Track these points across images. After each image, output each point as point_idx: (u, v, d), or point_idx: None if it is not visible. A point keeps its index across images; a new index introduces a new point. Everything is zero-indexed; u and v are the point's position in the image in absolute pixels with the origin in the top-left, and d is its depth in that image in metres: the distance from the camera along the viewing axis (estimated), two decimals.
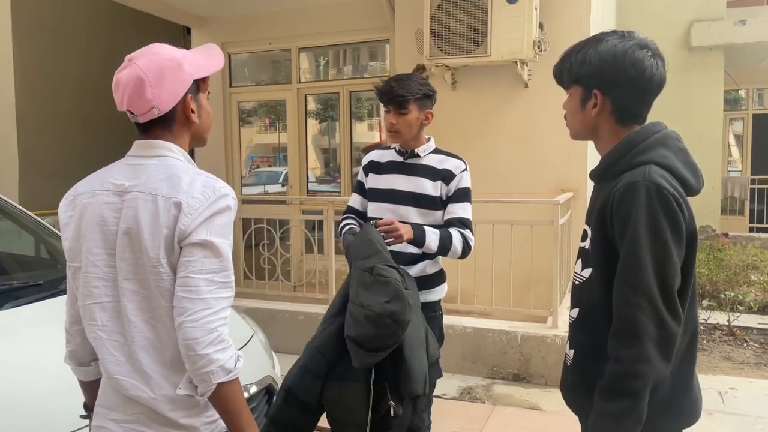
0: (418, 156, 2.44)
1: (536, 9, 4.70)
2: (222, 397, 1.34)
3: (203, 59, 1.50)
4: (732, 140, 11.05)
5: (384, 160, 2.52)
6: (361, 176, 2.61)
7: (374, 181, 2.50)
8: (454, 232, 2.35)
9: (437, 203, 2.40)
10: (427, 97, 2.44)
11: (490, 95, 5.21)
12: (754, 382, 4.15)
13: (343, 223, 2.56)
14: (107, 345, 1.40)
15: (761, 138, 10.50)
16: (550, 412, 3.62)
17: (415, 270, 2.38)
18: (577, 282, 1.51)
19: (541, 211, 4.31)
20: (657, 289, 1.29)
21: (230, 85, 7.17)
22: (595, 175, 1.53)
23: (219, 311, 1.33)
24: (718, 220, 8.38)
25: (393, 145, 2.53)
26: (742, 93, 10.79)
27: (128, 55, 1.41)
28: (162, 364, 1.37)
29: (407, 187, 2.40)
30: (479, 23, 4.76)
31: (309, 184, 7.14)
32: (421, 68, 5.40)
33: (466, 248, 2.37)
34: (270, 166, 7.99)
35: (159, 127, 1.42)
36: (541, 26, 4.82)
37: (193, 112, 1.45)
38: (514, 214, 4.40)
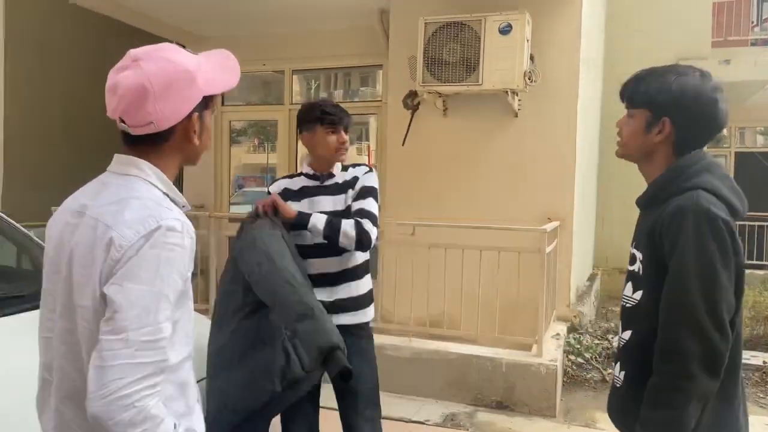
0: (333, 176, 2.51)
1: (527, 41, 4.79)
2: None
3: (217, 72, 1.30)
4: None
5: (297, 186, 2.50)
6: None
7: (296, 207, 2.40)
8: (346, 219, 2.34)
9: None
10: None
11: (480, 123, 5.27)
12: None
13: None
14: (44, 386, 1.27)
15: (744, 175, 10.68)
16: None
17: (342, 292, 2.41)
18: (628, 305, 1.56)
19: (529, 239, 4.34)
20: (703, 308, 1.34)
21: (222, 104, 7.19)
22: (642, 201, 1.59)
23: (140, 380, 1.07)
24: None
25: (301, 171, 2.54)
26: (725, 131, 11.02)
27: (132, 51, 1.21)
28: (86, 422, 1.12)
29: (333, 207, 2.43)
30: (472, 53, 4.84)
31: None
32: (413, 94, 5.47)
33: (362, 235, 2.30)
34: (257, 185, 7.99)
35: (147, 143, 1.23)
36: (532, 58, 4.90)
37: (194, 132, 1.27)
38: (501, 241, 4.42)
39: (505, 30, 4.75)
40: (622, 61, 7.98)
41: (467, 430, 3.75)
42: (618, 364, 1.57)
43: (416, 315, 4.47)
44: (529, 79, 4.80)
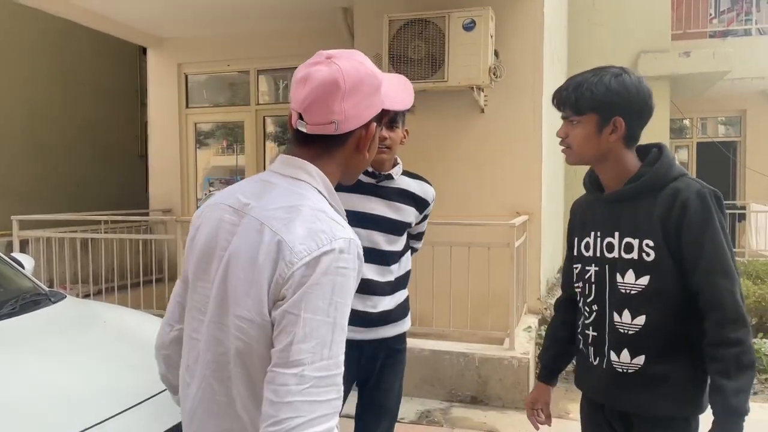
0: (391, 178, 2.25)
1: (492, 37, 4.82)
2: None
3: (396, 90, 1.25)
4: None
5: None
6: None
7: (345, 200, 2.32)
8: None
9: (405, 229, 2.29)
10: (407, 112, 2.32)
11: (447, 120, 5.28)
12: None
13: None
14: (184, 386, 1.19)
15: (705, 165, 10.94)
16: None
17: (393, 301, 2.23)
18: (633, 291, 1.58)
19: (498, 234, 4.37)
20: (737, 278, 1.52)
21: (187, 106, 7.09)
22: (627, 194, 1.62)
23: (315, 420, 0.97)
24: None
25: None
26: (686, 122, 11.27)
27: (324, 52, 1.15)
28: None
29: (382, 212, 2.20)
30: (437, 49, 4.85)
31: None
32: None
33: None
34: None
35: (320, 145, 1.15)
36: (496, 53, 4.93)
37: (367, 143, 1.19)
38: (471, 237, 4.44)
39: (469, 26, 4.77)
40: (585, 56, 8.11)
41: (442, 426, 3.76)
42: (626, 350, 1.59)
43: None
44: (494, 74, 4.83)
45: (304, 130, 1.14)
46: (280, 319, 1.01)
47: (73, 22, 6.06)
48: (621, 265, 1.60)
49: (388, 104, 1.20)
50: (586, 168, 1.78)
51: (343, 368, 1.03)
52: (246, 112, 6.91)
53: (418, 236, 2.48)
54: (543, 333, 4.86)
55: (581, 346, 1.74)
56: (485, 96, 5.12)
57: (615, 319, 1.60)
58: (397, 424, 2.39)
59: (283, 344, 1.00)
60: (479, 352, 4.17)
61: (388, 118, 1.28)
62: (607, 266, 1.63)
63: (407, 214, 2.25)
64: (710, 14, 10.33)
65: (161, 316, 1.43)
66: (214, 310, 1.11)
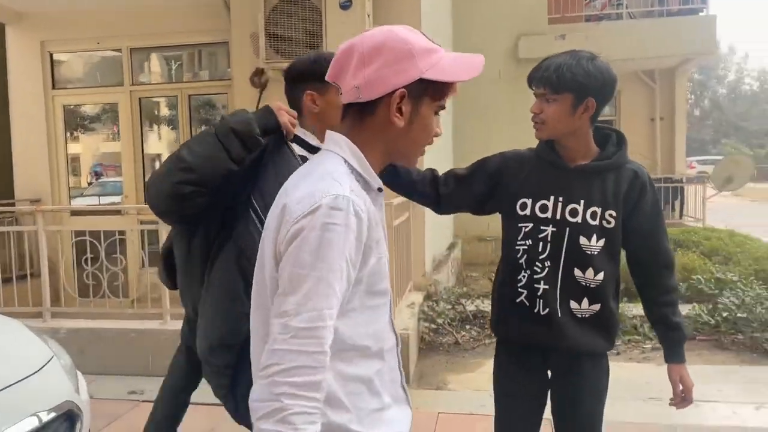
0: None
1: (369, 16, 4.81)
2: None
3: (456, 64, 1.18)
4: None
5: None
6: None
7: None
8: None
9: None
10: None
11: None
12: None
13: None
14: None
15: None
16: None
17: None
18: (595, 252, 1.82)
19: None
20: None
21: (53, 87, 6.57)
22: (597, 167, 1.83)
23: (291, 371, 1.00)
24: None
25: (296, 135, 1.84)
26: None
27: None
28: None
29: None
30: (315, 28, 4.78)
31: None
32: (260, 72, 5.31)
33: None
34: (118, 175, 7.49)
35: (353, 115, 1.18)
36: None
37: (400, 114, 1.15)
38: None
39: (345, 5, 4.73)
40: (468, 37, 8.32)
41: None
42: (586, 299, 1.84)
43: None
44: None
45: (342, 100, 1.19)
46: (280, 272, 1.09)
47: None
48: (586, 230, 1.81)
49: (433, 73, 1.15)
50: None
51: (328, 323, 1.05)
52: (120, 93, 6.50)
53: None
54: (425, 308, 4.99)
55: (524, 298, 1.86)
56: None
57: (576, 274, 1.82)
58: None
59: (277, 295, 1.07)
60: None
61: (440, 97, 1.18)
62: (568, 228, 1.81)
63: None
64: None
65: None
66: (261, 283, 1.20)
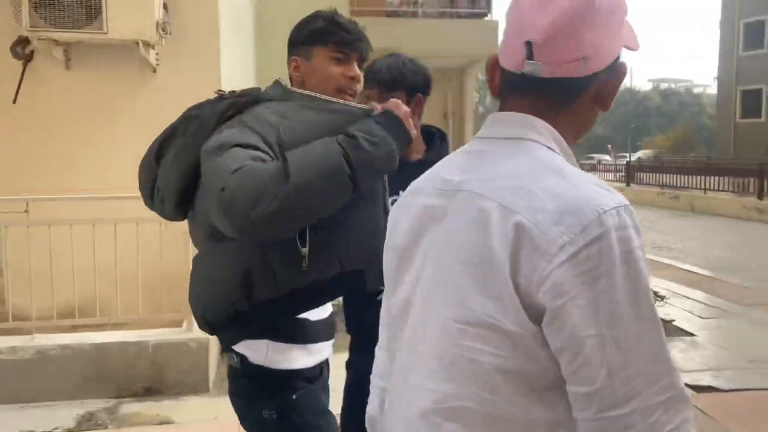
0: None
1: None
2: None
3: (633, 33, 0.92)
4: None
5: None
6: None
7: None
8: None
9: None
10: None
11: (113, 78, 4.64)
12: None
13: None
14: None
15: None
16: (180, 423, 3.36)
17: None
18: None
19: None
20: None
21: None
22: (438, 160, 1.85)
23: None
24: None
25: None
26: None
27: None
28: None
29: None
30: None
31: None
32: (23, 41, 4.51)
33: None
34: None
35: (547, 95, 0.86)
36: (165, 7, 4.47)
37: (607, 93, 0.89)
38: (141, 212, 3.97)
39: None
40: (273, 26, 8.07)
41: (107, 427, 3.32)
42: None
43: (41, 306, 3.77)
44: (163, 30, 4.36)
45: (538, 74, 0.84)
46: (566, 345, 0.76)
47: None
48: None
49: (631, 43, 0.90)
50: None
51: (675, 367, 0.78)
52: None
53: None
54: None
55: None
56: (157, 54, 4.62)
57: None
58: None
59: (597, 382, 0.75)
60: (153, 338, 3.80)
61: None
62: None
63: None
64: None
65: None
66: (418, 314, 0.89)
